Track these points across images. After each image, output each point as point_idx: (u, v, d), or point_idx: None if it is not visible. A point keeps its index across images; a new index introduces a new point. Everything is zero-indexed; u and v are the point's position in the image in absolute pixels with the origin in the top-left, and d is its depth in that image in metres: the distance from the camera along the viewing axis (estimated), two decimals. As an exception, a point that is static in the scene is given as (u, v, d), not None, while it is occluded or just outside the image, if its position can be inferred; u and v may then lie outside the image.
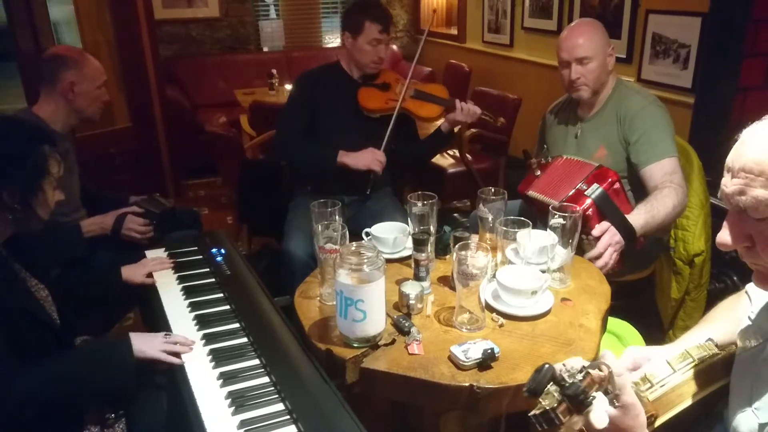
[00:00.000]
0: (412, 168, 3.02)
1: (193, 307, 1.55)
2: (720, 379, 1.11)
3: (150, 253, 1.84)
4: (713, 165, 2.13)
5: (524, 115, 3.78)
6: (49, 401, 1.25)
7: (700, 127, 2.74)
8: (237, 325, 1.46)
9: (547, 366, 0.84)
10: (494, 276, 1.50)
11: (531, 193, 2.05)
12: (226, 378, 1.25)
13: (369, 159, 2.33)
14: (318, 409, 1.13)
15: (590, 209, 1.79)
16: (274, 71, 4.69)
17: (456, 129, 2.63)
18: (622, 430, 0.88)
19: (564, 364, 0.85)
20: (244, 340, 1.40)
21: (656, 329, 2.29)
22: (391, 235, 1.78)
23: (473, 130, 3.68)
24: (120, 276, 1.67)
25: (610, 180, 1.86)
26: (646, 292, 2.32)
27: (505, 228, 1.58)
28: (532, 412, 0.83)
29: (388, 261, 1.67)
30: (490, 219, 1.71)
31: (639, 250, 1.89)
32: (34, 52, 3.34)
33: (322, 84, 2.44)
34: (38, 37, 3.42)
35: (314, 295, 1.60)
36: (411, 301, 1.46)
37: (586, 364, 0.86)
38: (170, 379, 1.35)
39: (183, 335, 1.39)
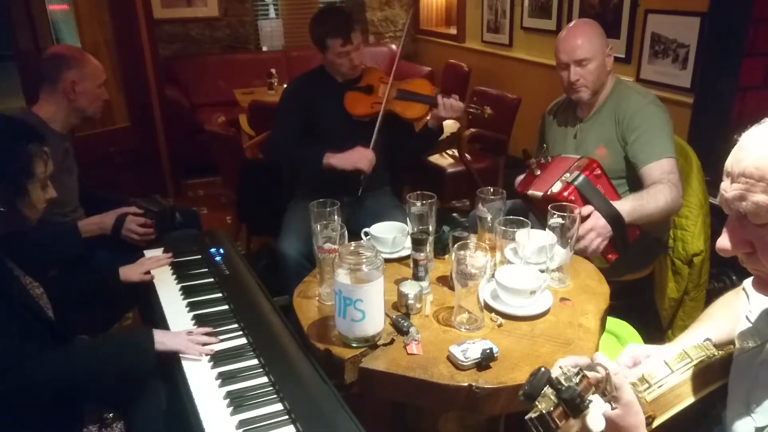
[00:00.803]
0: (409, 166, 3.01)
1: (192, 306, 1.55)
2: (718, 380, 1.10)
3: (149, 253, 1.85)
4: (712, 165, 2.13)
5: (524, 115, 3.78)
6: (72, 380, 1.30)
7: (699, 127, 2.74)
8: (236, 324, 1.46)
9: (543, 369, 0.84)
10: (493, 276, 1.50)
11: (531, 192, 2.04)
12: (225, 378, 1.26)
13: (356, 158, 2.32)
14: (317, 409, 1.14)
15: (572, 195, 1.79)
16: (274, 71, 4.67)
17: (456, 126, 2.61)
18: (624, 428, 0.88)
19: (561, 366, 0.85)
20: (243, 340, 1.40)
21: (655, 329, 2.29)
22: (390, 234, 1.78)
23: (472, 129, 3.68)
24: (118, 275, 1.67)
25: (591, 167, 1.86)
26: (645, 292, 2.32)
27: (504, 228, 1.59)
28: (528, 416, 0.83)
29: (387, 261, 1.67)
30: (489, 219, 1.71)
31: (635, 246, 1.89)
32: (33, 52, 3.34)
33: (311, 90, 2.46)
34: (37, 37, 3.41)
35: (313, 294, 1.60)
36: (410, 301, 1.46)
37: (582, 363, 0.86)
38: (169, 379, 1.35)
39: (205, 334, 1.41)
